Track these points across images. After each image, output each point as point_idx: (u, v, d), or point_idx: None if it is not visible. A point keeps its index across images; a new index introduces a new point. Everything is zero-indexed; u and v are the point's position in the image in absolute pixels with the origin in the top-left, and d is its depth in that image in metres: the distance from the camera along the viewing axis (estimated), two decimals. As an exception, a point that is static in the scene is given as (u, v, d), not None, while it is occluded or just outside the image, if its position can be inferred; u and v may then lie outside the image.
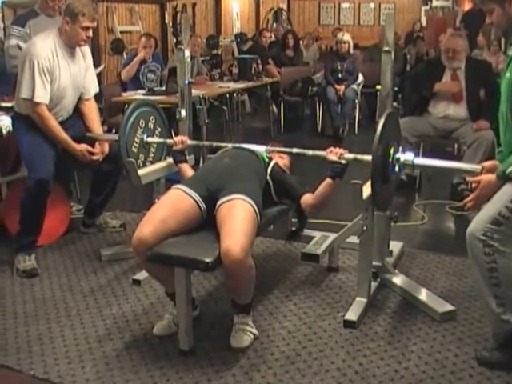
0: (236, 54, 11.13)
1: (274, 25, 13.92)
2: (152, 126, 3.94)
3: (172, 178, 3.89)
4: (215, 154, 3.65)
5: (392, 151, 3.17)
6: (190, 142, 3.84)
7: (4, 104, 5.02)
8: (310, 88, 8.89)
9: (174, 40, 10.85)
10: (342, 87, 8.46)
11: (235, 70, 8.69)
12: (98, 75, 4.64)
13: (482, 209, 2.83)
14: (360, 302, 3.43)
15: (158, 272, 3.11)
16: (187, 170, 3.69)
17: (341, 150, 3.30)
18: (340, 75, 8.59)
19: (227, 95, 8.26)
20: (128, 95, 6.61)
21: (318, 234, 3.97)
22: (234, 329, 3.12)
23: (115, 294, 3.72)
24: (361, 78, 8.85)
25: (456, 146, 6.54)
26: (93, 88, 4.36)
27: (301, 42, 10.86)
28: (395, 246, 4.08)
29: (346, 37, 8.76)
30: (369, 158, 3.11)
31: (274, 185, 3.43)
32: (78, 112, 4.30)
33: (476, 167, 3.04)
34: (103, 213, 4.78)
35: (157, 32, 10.68)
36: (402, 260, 4.15)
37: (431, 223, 5.00)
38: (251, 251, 2.95)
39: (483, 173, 2.86)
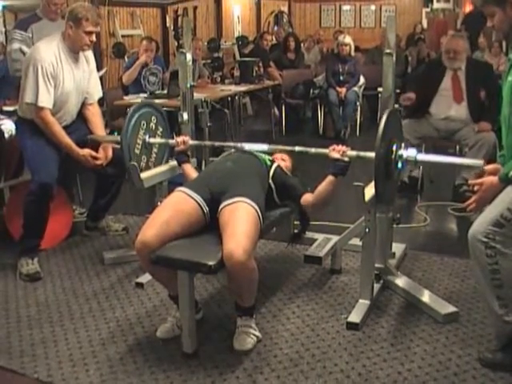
0: (237, 57, 11.14)
1: (275, 28, 13.92)
2: (153, 127, 3.94)
3: (174, 182, 3.89)
4: (217, 158, 3.66)
5: (394, 148, 3.19)
6: (191, 142, 3.86)
7: (6, 108, 5.04)
8: (311, 90, 8.93)
9: (176, 43, 10.85)
10: (344, 89, 8.46)
11: (237, 73, 8.69)
12: (100, 78, 4.63)
13: (484, 211, 2.83)
14: (363, 303, 3.43)
15: (162, 275, 3.11)
16: (190, 170, 3.70)
17: (343, 148, 3.31)
18: (341, 77, 8.60)
19: (229, 98, 8.25)
20: (130, 98, 6.61)
21: (320, 237, 3.98)
22: (237, 331, 3.13)
23: (118, 297, 3.72)
24: (362, 80, 8.85)
25: (458, 147, 6.54)
26: (96, 93, 4.37)
27: (302, 45, 10.89)
28: (398, 248, 4.08)
29: (347, 39, 8.77)
30: (371, 154, 3.12)
31: (277, 188, 3.43)
32: (81, 117, 4.30)
33: (478, 162, 3.05)
34: (106, 216, 4.79)
35: (158, 35, 10.69)
36: (405, 262, 4.15)
37: (433, 225, 5.00)
38: (254, 253, 2.96)
39: (486, 175, 2.87)
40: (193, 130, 4.21)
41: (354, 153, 3.30)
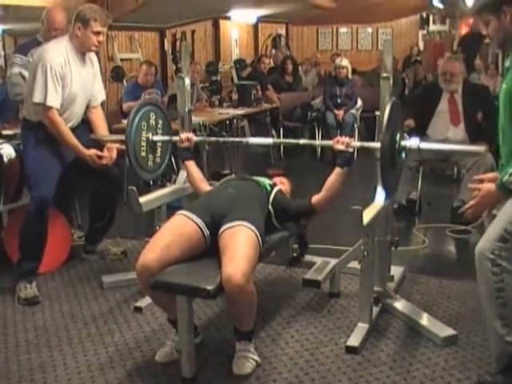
0: (235, 80, 11.20)
1: (273, 51, 14.02)
2: (154, 123, 3.96)
3: (173, 206, 3.91)
4: (218, 182, 3.68)
5: (398, 138, 3.28)
6: (195, 138, 3.88)
7: (5, 132, 5.06)
8: (309, 113, 8.95)
9: (174, 67, 10.92)
10: (341, 112, 8.51)
11: (235, 96, 8.76)
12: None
13: (489, 227, 2.83)
14: (362, 327, 3.42)
15: (161, 299, 3.11)
16: (193, 168, 3.78)
17: (347, 139, 3.41)
18: (339, 100, 8.65)
19: (227, 121, 8.30)
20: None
21: (319, 260, 3.97)
22: (236, 356, 3.12)
23: (117, 322, 3.71)
24: (360, 102, 8.90)
25: (456, 169, 6.57)
26: (100, 96, 4.41)
27: (300, 68, 10.95)
28: (396, 271, 4.07)
29: (345, 62, 8.83)
30: (375, 144, 3.21)
31: (276, 212, 3.45)
32: (85, 123, 4.34)
33: (480, 148, 3.07)
34: (104, 240, 4.79)
35: (156, 59, 10.75)
36: (404, 285, 4.15)
37: (432, 247, 5.00)
38: (253, 277, 2.96)
39: (485, 183, 2.87)
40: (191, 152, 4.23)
41: (358, 143, 3.40)
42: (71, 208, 5.20)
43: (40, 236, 4.09)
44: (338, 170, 3.40)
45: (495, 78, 9.79)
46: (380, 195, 3.55)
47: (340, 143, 3.40)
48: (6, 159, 4.53)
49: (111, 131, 4.55)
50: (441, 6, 13.06)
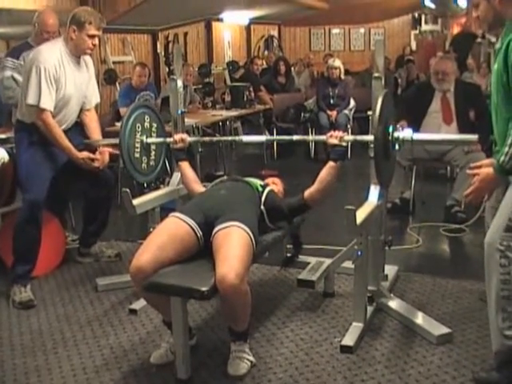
0: (228, 81, 11.18)
1: (266, 52, 14.03)
2: (148, 126, 3.97)
3: (167, 207, 3.91)
4: (211, 184, 3.68)
5: (391, 130, 3.31)
6: (189, 139, 3.90)
7: (-2, 136, 5.04)
8: (302, 114, 8.95)
9: (167, 69, 10.90)
10: (334, 113, 8.53)
11: (228, 98, 8.75)
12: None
13: (493, 220, 2.84)
14: (356, 326, 3.43)
15: (156, 300, 3.11)
16: (187, 168, 3.80)
17: (340, 133, 3.45)
18: (332, 101, 8.67)
19: (220, 123, 8.30)
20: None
21: (313, 260, 3.98)
22: (231, 356, 3.12)
23: (112, 324, 3.71)
24: (352, 103, 8.91)
25: (449, 168, 6.59)
26: (94, 98, 4.42)
27: (292, 69, 10.96)
28: (390, 270, 4.08)
29: (337, 63, 8.85)
30: (368, 137, 3.23)
31: (268, 212, 3.46)
32: (78, 127, 4.34)
33: (472, 137, 3.08)
34: (98, 242, 4.79)
35: (149, 62, 10.71)
36: (398, 284, 4.16)
37: (426, 246, 5.01)
38: (247, 278, 2.97)
39: (483, 167, 2.87)
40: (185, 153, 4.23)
41: (351, 137, 3.43)
42: (65, 211, 5.20)
43: (33, 239, 4.08)
44: (331, 163, 3.44)
45: (487, 77, 9.80)
46: (373, 195, 3.56)
47: (333, 137, 3.45)
48: (-2, 163, 4.52)
49: (104, 134, 4.55)
50: (433, 5, 13.10)
